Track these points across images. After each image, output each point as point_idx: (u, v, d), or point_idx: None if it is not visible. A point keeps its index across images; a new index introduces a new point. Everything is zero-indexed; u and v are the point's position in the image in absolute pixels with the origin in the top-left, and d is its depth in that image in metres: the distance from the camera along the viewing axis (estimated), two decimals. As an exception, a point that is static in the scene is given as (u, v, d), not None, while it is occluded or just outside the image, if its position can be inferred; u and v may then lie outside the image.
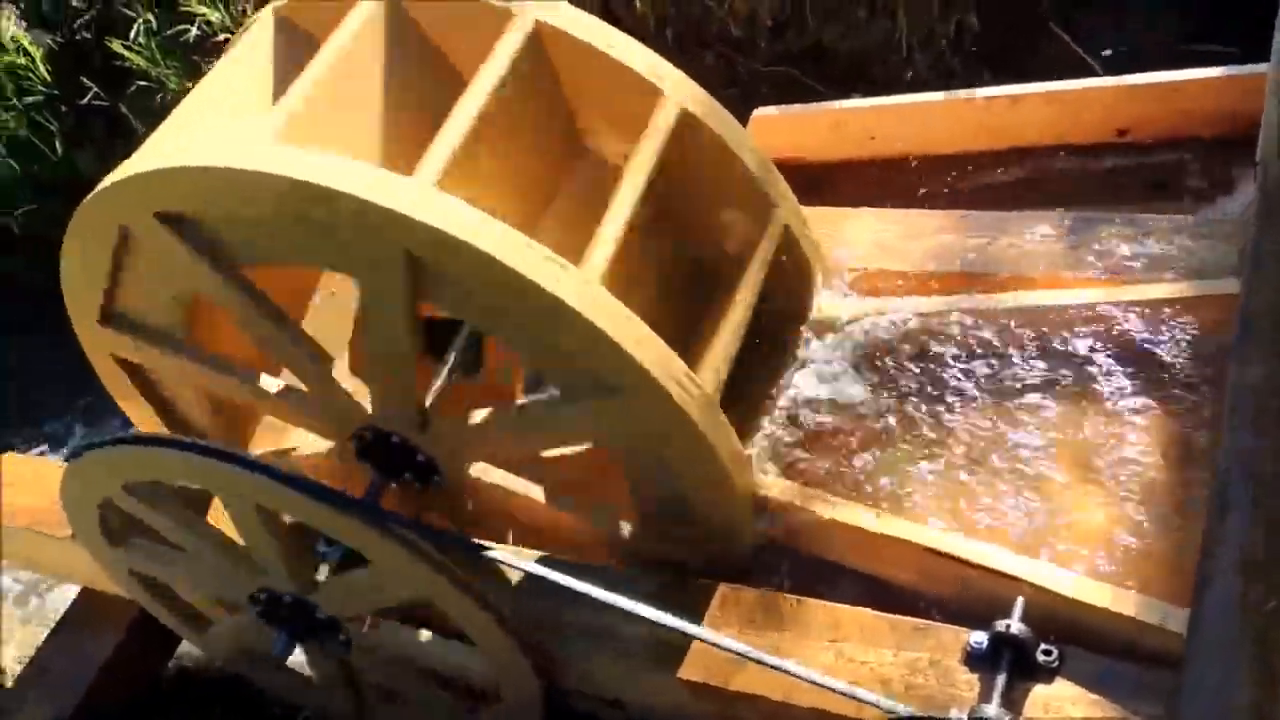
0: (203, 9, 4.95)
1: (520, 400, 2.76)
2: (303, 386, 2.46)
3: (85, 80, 5.15)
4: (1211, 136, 3.17)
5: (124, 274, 2.45)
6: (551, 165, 2.61)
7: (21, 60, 5.26)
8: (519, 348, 2.21)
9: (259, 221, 2.16)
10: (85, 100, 5.17)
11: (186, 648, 3.43)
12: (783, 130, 3.52)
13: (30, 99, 5.26)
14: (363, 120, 2.43)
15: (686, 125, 2.43)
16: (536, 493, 2.51)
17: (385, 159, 2.32)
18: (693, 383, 2.15)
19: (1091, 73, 3.84)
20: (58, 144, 5.21)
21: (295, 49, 2.49)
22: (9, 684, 3.55)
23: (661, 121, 2.39)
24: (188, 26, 4.95)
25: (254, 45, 2.57)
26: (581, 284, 2.06)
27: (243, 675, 3.21)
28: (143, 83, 5.00)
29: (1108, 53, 3.98)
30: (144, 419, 2.81)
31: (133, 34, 5.06)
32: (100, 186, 2.28)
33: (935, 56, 4.17)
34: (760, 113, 3.58)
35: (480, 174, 2.26)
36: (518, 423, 2.39)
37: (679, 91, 2.45)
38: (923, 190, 3.38)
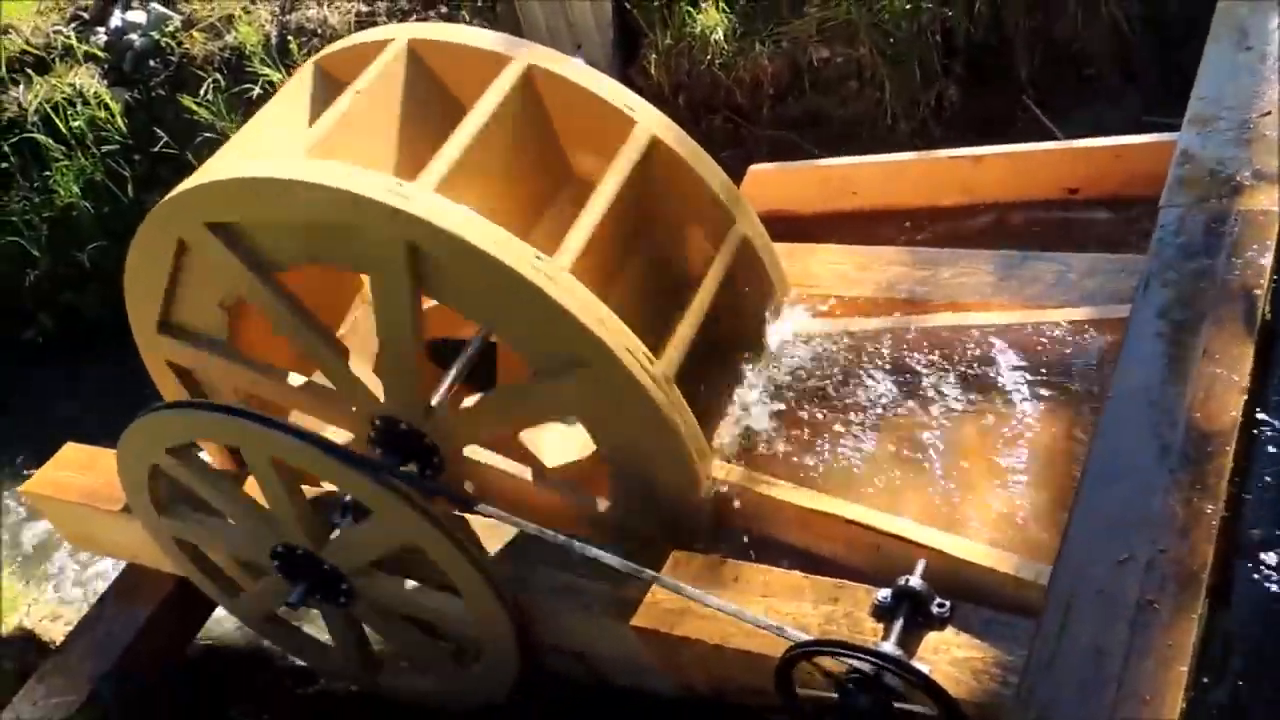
0: (266, 70, 5.50)
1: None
2: (328, 383, 2.84)
3: (158, 131, 5.71)
4: (1152, 195, 3.52)
5: (179, 286, 2.87)
6: (541, 184, 3.00)
7: (101, 114, 5.83)
8: (502, 331, 2.55)
9: (288, 225, 2.58)
10: (156, 149, 5.72)
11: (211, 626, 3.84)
12: (775, 184, 3.88)
13: (107, 147, 5.81)
14: (380, 142, 2.85)
15: (655, 149, 2.82)
16: (525, 472, 2.87)
17: (398, 173, 2.72)
18: (649, 359, 2.51)
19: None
20: (130, 188, 5.75)
21: (329, 91, 2.94)
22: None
23: (633, 144, 2.79)
24: (251, 85, 5.50)
25: (294, 89, 3.03)
26: (554, 270, 2.45)
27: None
28: (209, 134, 5.52)
29: (1074, 123, 4.32)
30: None
31: (202, 91, 5.62)
32: (158, 205, 2.71)
33: (918, 124, 4.57)
34: (755, 168, 3.94)
35: (476, 185, 2.66)
36: (501, 402, 2.76)
37: (650, 121, 2.85)
38: (898, 239, 3.73)
